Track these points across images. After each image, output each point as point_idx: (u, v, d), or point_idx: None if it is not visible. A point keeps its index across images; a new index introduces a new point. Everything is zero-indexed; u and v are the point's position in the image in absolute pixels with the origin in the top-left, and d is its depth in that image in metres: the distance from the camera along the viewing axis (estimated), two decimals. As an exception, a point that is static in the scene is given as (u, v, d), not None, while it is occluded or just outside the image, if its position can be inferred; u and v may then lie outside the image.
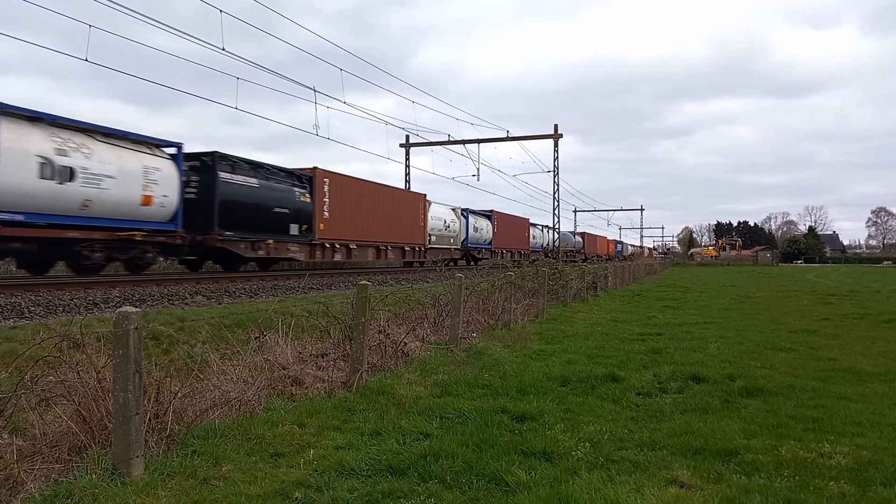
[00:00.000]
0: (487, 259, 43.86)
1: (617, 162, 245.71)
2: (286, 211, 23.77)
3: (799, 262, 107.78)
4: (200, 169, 20.78)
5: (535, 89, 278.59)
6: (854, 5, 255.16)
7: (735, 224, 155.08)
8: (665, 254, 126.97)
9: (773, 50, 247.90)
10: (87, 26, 15.18)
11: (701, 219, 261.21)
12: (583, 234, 73.12)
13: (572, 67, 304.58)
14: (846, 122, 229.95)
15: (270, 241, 22.77)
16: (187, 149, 19.90)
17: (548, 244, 60.31)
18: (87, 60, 15.65)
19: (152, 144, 18.83)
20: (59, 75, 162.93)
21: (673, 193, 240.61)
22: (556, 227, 49.77)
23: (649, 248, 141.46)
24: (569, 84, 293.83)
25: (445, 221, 39.37)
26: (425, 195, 37.00)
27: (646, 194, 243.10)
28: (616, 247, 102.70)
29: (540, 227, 60.21)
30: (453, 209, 41.07)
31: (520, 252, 52.31)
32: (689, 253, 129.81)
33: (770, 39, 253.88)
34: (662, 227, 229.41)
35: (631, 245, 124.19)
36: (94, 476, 3.97)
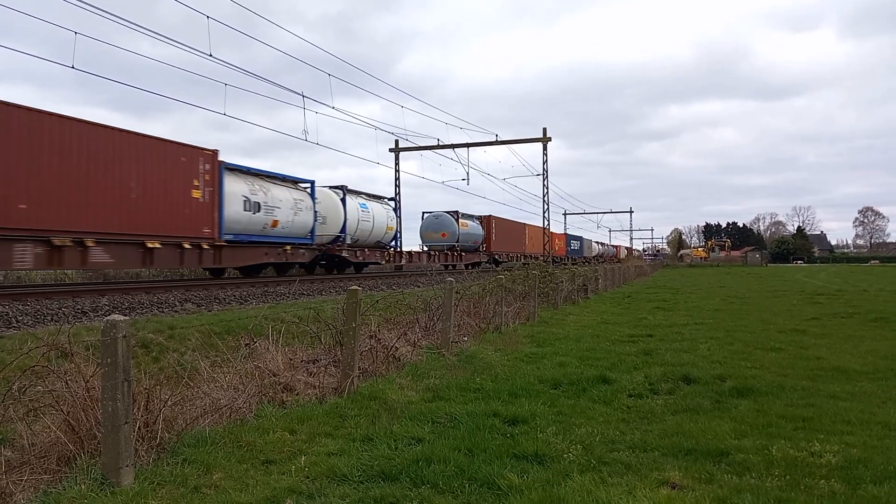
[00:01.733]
0: None
1: (604, 165, 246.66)
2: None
3: (800, 262, 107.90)
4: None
5: (522, 93, 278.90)
6: (831, 9, 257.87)
7: (724, 225, 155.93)
8: (655, 255, 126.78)
9: (755, 53, 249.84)
10: (73, 33, 15.06)
11: (690, 220, 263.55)
12: (486, 220, 45.27)
13: (557, 71, 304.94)
14: (830, 124, 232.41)
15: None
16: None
17: (360, 231, 30.70)
18: (73, 68, 15.50)
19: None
20: (45, 84, 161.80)
21: (661, 195, 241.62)
22: (546, 227, 49.81)
23: (628, 248, 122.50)
24: (554, 88, 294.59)
25: None
26: None
27: (634, 196, 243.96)
28: (570, 244, 73.33)
29: (320, 191, 28.07)
30: None
31: (176, 244, 19.10)
32: (679, 254, 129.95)
33: (751, 42, 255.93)
34: (652, 229, 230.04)
35: (599, 243, 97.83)
36: (83, 486, 3.94)
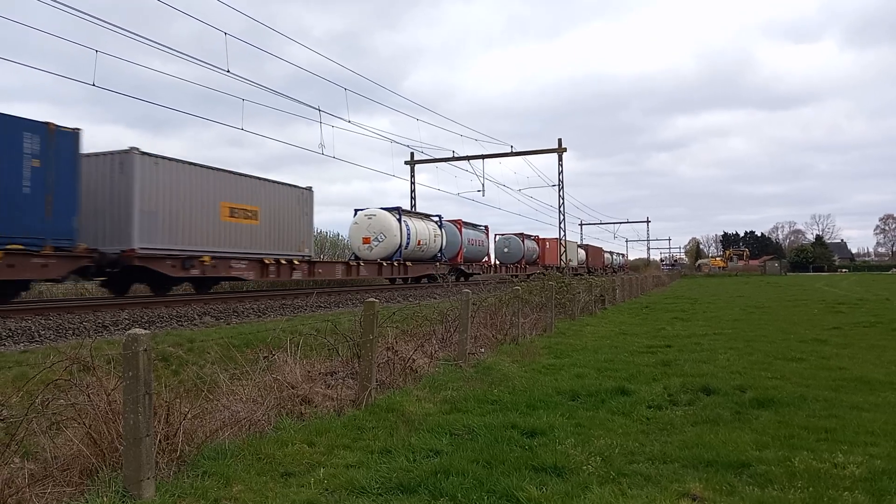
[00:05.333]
0: None
1: (615, 175, 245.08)
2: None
3: (844, 270, 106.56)
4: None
5: (527, 107, 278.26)
6: (835, 22, 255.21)
7: (742, 234, 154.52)
8: (673, 265, 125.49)
9: (759, 64, 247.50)
10: (94, 51, 15.34)
11: (706, 230, 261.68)
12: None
13: (562, 84, 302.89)
14: (840, 133, 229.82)
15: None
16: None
17: None
18: (94, 85, 15.77)
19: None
20: (62, 102, 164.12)
21: (675, 205, 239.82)
22: (563, 240, 49.66)
23: (606, 254, 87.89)
24: (560, 101, 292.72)
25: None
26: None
27: (648, 206, 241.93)
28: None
29: None
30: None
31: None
32: (697, 264, 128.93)
33: (755, 53, 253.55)
34: (669, 239, 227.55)
35: (471, 226, 42.68)
36: (105, 499, 3.97)
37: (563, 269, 46.79)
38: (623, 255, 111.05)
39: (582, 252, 70.71)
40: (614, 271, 79.47)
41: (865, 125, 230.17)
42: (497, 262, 48.87)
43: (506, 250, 50.49)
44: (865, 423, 5.99)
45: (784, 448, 5.27)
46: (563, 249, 51.80)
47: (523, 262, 51.17)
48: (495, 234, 50.70)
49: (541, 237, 57.13)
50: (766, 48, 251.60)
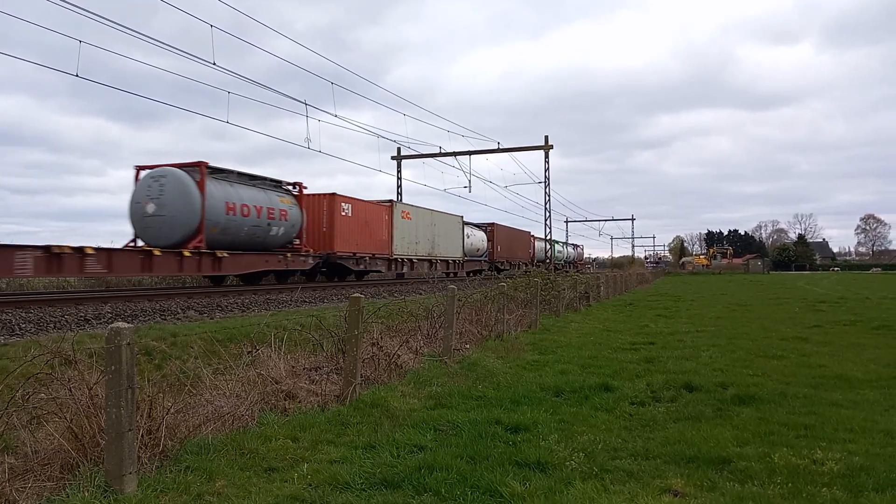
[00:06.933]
0: None
1: (600, 173, 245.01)
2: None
3: (836, 269, 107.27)
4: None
5: (512, 103, 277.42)
6: (811, 23, 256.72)
7: (726, 233, 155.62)
8: (657, 263, 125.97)
9: (740, 64, 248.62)
10: (78, 42, 15.16)
11: (691, 228, 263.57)
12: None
13: (546, 81, 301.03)
14: (820, 133, 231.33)
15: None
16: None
17: None
18: (77, 76, 15.62)
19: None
20: (42, 93, 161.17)
21: (660, 203, 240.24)
22: (549, 237, 49.80)
23: (539, 241, 58.49)
24: (544, 98, 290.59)
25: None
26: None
27: (633, 204, 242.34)
28: None
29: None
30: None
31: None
32: (681, 262, 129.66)
33: (736, 53, 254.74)
34: (654, 237, 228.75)
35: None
36: (86, 493, 3.95)
37: (548, 265, 46.77)
38: (578, 245, 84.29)
39: (480, 236, 44.53)
40: (556, 268, 46.96)
41: (845, 126, 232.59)
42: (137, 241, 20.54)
43: (149, 210, 19.96)
44: (844, 420, 6.08)
45: (764, 444, 5.33)
46: (399, 222, 30.70)
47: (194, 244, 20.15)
48: (136, 168, 21.20)
49: (329, 192, 27.54)
50: (747, 48, 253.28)
